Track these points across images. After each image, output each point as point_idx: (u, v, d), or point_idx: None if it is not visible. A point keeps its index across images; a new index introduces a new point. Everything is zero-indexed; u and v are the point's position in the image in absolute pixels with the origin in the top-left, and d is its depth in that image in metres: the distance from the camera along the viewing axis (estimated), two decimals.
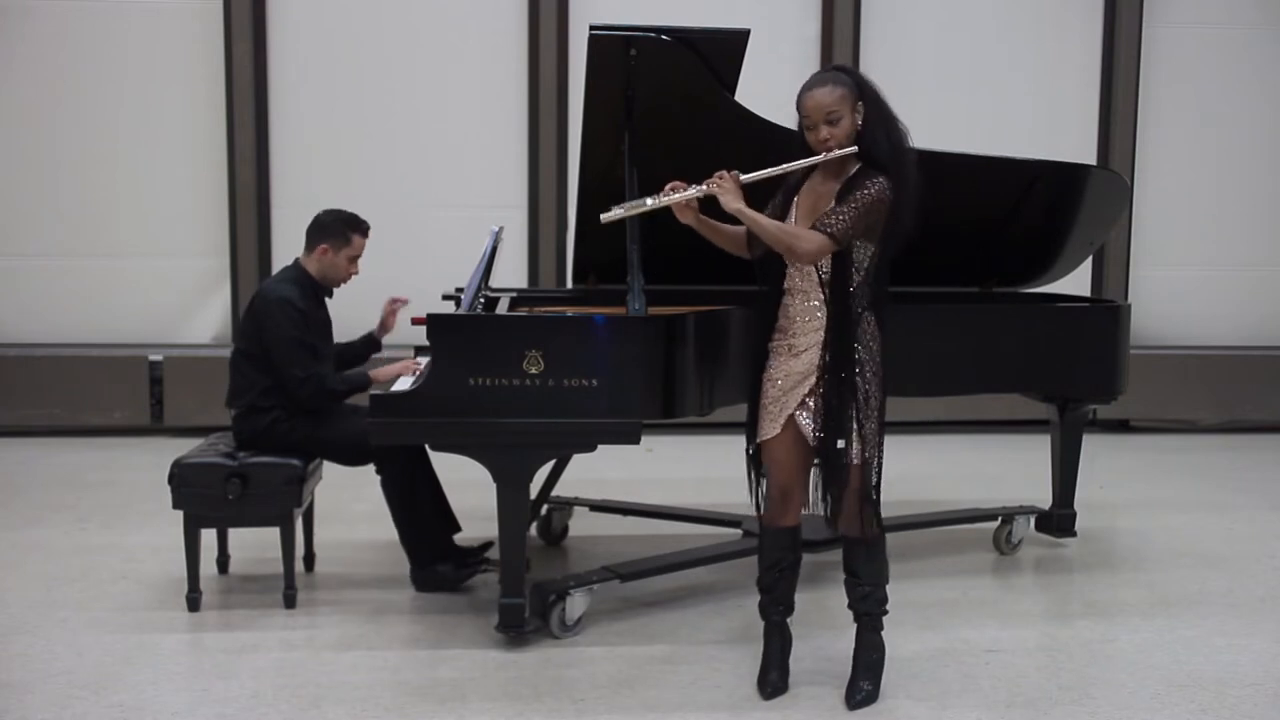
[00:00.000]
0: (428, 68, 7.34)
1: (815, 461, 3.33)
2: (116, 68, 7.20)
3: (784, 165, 3.24)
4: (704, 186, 3.22)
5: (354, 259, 4.24)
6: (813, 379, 3.24)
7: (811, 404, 3.25)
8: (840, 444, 3.20)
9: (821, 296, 3.24)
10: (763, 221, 3.19)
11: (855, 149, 3.19)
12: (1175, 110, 7.76)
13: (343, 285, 4.30)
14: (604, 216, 3.33)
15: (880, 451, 3.29)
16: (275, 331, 4.05)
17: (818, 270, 3.23)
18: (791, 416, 3.27)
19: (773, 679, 3.41)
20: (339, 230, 4.20)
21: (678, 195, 3.25)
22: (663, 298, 4.03)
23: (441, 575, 4.24)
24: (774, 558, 3.40)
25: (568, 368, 3.52)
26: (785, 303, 3.32)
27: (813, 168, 3.29)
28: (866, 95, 3.21)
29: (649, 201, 3.29)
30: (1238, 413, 7.68)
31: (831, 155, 3.18)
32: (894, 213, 3.18)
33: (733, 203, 3.17)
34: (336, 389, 4.12)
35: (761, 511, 3.42)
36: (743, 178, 3.21)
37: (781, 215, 3.33)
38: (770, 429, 3.31)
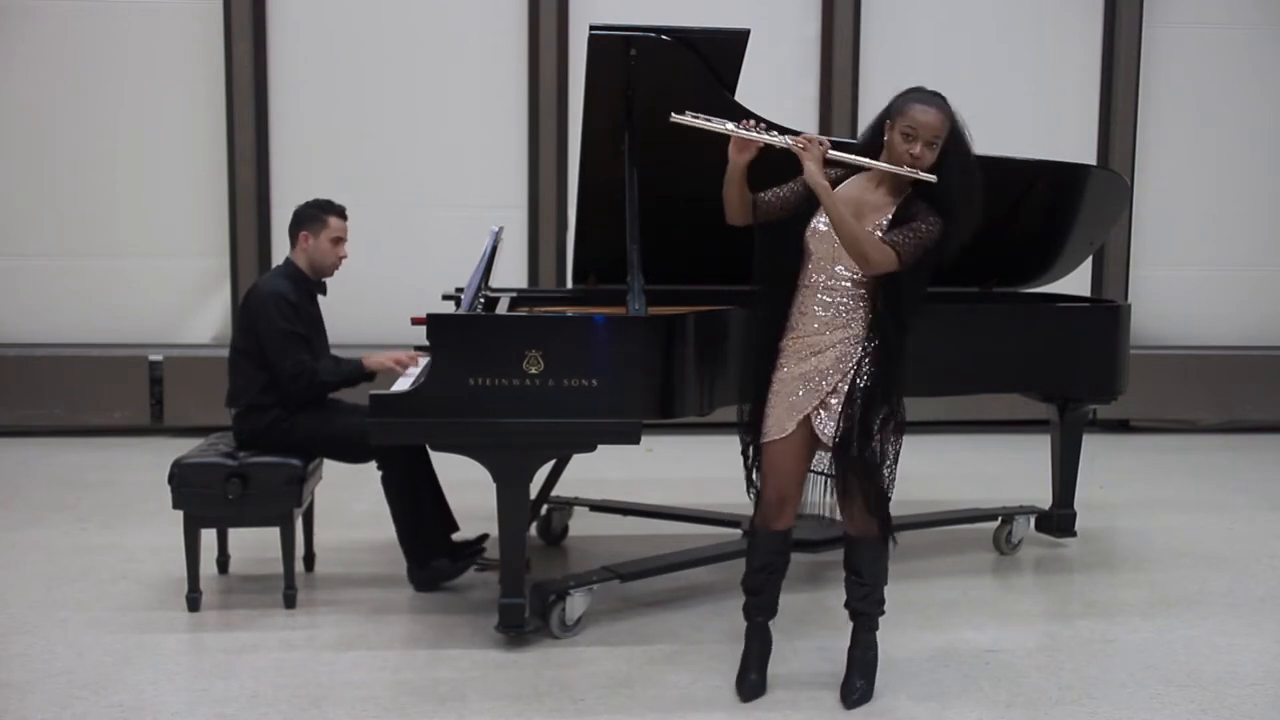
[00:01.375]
0: (428, 68, 7.34)
1: (813, 468, 3.33)
2: (116, 68, 7.20)
3: (871, 161, 3.19)
4: (789, 140, 3.13)
5: (337, 241, 4.26)
6: (834, 379, 3.22)
7: (833, 404, 3.23)
8: (866, 444, 3.19)
9: (852, 297, 3.22)
10: (845, 214, 3.10)
11: (935, 179, 3.15)
12: (1175, 110, 7.76)
13: (334, 272, 4.31)
14: (675, 116, 3.19)
15: (897, 456, 3.28)
16: (267, 324, 4.07)
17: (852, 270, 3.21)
18: (806, 418, 3.26)
19: (751, 681, 3.41)
20: (313, 215, 4.24)
21: (760, 136, 3.14)
22: (663, 298, 4.03)
23: (437, 569, 4.24)
24: (764, 560, 3.39)
25: (568, 368, 3.52)
26: (804, 299, 3.28)
27: (858, 169, 3.26)
28: (959, 134, 3.21)
29: (730, 126, 3.16)
30: (1238, 413, 7.68)
31: (919, 175, 3.13)
32: (934, 250, 3.19)
33: (817, 175, 3.09)
34: (328, 380, 4.13)
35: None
36: (830, 153, 3.14)
37: (808, 205, 3.26)
38: (782, 428, 3.28)
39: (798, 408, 3.26)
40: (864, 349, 3.22)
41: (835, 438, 3.22)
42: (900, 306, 3.23)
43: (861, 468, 3.21)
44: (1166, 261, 7.86)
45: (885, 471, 3.25)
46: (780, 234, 3.32)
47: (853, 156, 3.19)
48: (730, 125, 3.17)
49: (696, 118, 3.19)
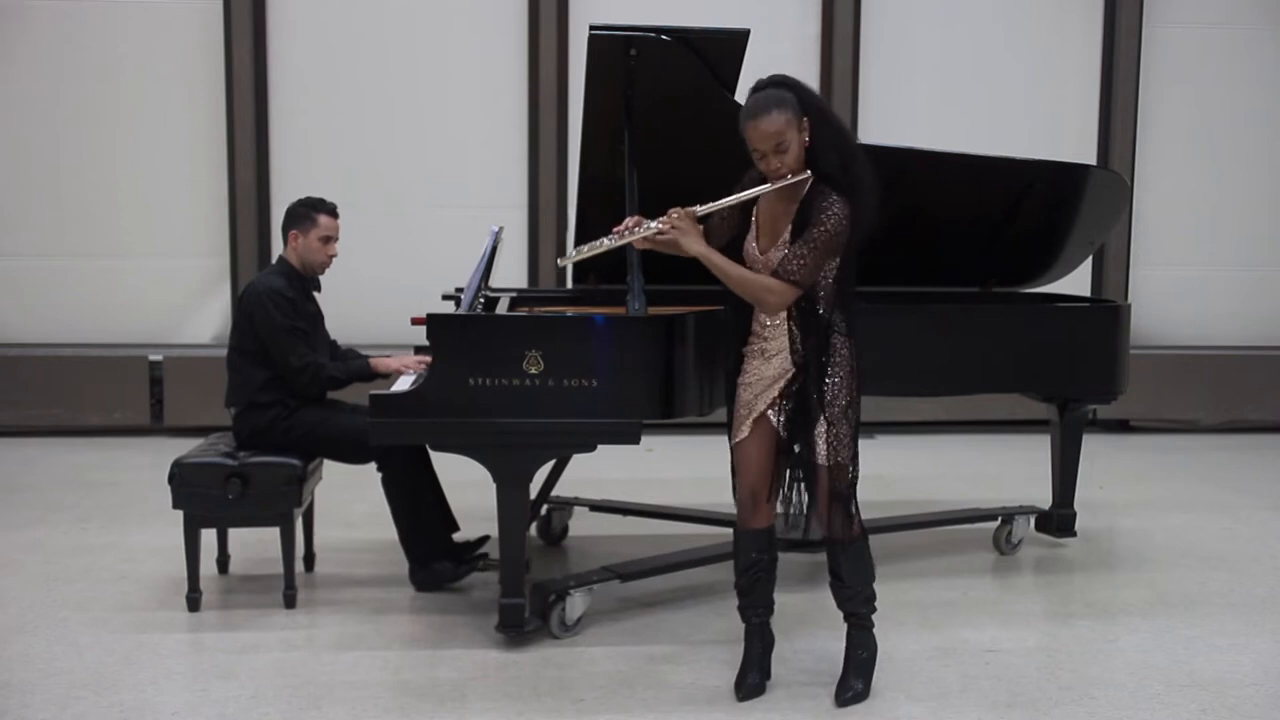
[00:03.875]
0: (428, 68, 7.34)
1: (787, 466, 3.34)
2: (116, 68, 7.20)
3: (736, 195, 3.24)
4: (658, 225, 3.22)
5: (326, 239, 4.26)
6: (783, 382, 3.25)
7: (785, 405, 3.26)
8: (807, 447, 3.21)
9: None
10: (728, 269, 3.19)
11: (808, 174, 3.14)
12: (1175, 110, 7.76)
13: (324, 270, 4.31)
14: (561, 260, 3.41)
15: (856, 454, 3.27)
16: (266, 320, 4.08)
17: None
18: (763, 417, 3.28)
19: (750, 681, 3.41)
20: (304, 214, 4.25)
21: (633, 235, 3.26)
22: (663, 298, 4.02)
23: (440, 572, 4.24)
24: (748, 560, 3.39)
25: (568, 368, 3.52)
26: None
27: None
28: (809, 109, 3.12)
29: (606, 241, 3.30)
30: (1238, 413, 7.68)
31: (785, 183, 3.14)
32: (853, 227, 3.15)
33: (694, 245, 3.18)
34: (335, 375, 4.15)
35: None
36: (699, 211, 3.21)
37: (741, 231, 3.33)
38: (741, 431, 3.33)
39: (753, 409, 3.30)
40: (796, 353, 3.22)
41: (788, 439, 3.25)
42: (838, 298, 3.23)
43: (814, 469, 3.23)
44: (1166, 261, 7.86)
45: (844, 470, 3.25)
46: (735, 247, 3.37)
47: (721, 201, 3.25)
48: (606, 240, 3.31)
49: (580, 250, 3.39)
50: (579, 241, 4.39)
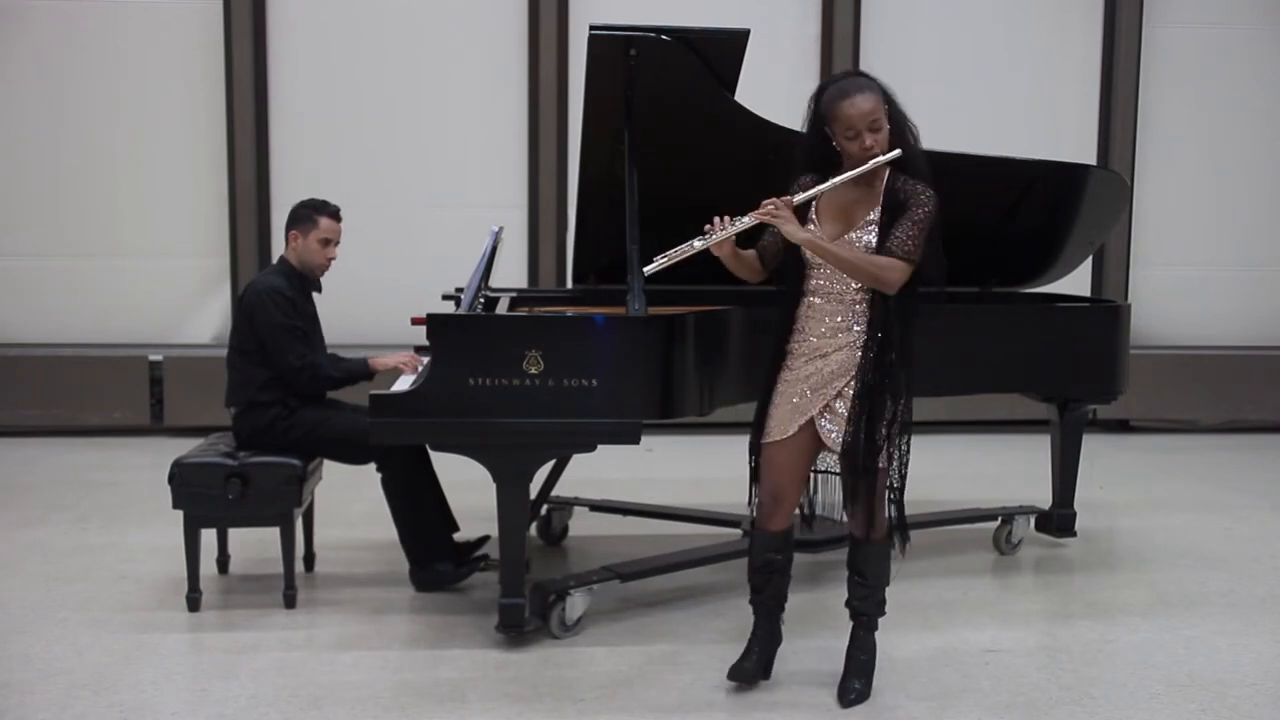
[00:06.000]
0: (428, 68, 7.35)
1: (817, 469, 3.32)
2: (116, 68, 7.20)
3: (832, 181, 3.18)
4: (751, 218, 3.16)
5: (326, 242, 4.26)
6: (840, 383, 3.21)
7: (838, 408, 3.22)
8: (870, 447, 3.18)
9: (856, 300, 3.21)
10: (840, 252, 3.13)
11: (899, 153, 3.14)
12: (1175, 110, 7.76)
13: (324, 272, 4.31)
14: (648, 269, 3.28)
15: (906, 456, 3.27)
16: (266, 319, 4.08)
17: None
18: (810, 420, 3.24)
19: (746, 667, 3.37)
20: (305, 215, 4.25)
21: (726, 231, 3.18)
22: (663, 298, 4.03)
23: (441, 573, 4.24)
24: (763, 560, 3.38)
25: (568, 368, 3.52)
26: (809, 303, 3.27)
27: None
28: (889, 98, 3.18)
29: (696, 244, 3.20)
30: (1238, 413, 7.69)
31: (878, 162, 3.12)
32: (938, 221, 3.18)
33: (799, 233, 3.12)
34: (333, 375, 4.15)
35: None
36: (796, 201, 3.16)
37: (792, 246, 3.27)
38: (784, 430, 3.27)
39: (802, 410, 3.25)
40: (870, 352, 3.20)
41: (841, 442, 3.21)
42: (913, 291, 3.22)
43: (868, 472, 3.20)
44: (1166, 261, 7.86)
45: (894, 474, 3.25)
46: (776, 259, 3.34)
47: (817, 188, 3.20)
48: (697, 243, 3.21)
49: (664, 257, 3.24)
50: (580, 240, 4.39)
